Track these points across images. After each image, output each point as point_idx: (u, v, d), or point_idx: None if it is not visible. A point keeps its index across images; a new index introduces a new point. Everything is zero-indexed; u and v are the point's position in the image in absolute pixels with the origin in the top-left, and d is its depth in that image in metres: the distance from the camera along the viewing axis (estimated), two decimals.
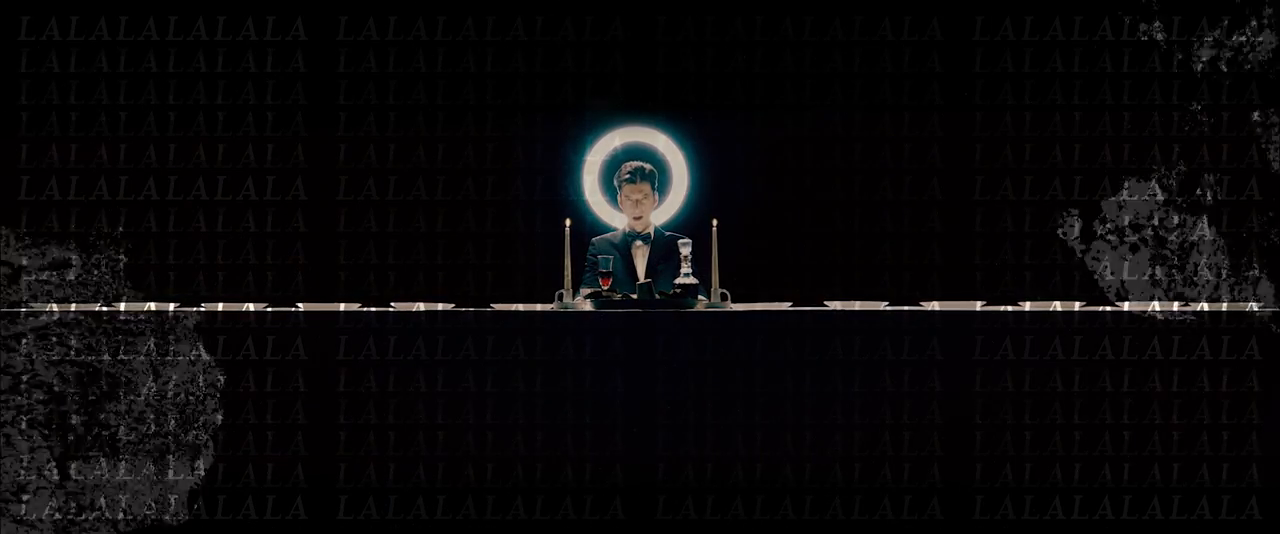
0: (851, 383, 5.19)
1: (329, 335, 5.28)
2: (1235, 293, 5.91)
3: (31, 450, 5.34)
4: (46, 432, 5.34)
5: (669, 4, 6.57)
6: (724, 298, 5.47)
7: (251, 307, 5.42)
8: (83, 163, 6.10)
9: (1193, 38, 6.12)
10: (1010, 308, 5.35)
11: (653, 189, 6.16)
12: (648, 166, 6.18)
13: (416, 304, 5.42)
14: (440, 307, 5.37)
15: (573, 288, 5.55)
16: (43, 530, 5.31)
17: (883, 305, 5.40)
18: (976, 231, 6.27)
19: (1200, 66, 6.11)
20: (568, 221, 5.52)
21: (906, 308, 5.31)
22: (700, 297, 5.50)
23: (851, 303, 5.50)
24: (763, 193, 6.77)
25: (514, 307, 5.41)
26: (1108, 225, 6.13)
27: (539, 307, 5.41)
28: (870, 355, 5.19)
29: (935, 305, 5.38)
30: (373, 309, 5.35)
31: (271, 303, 5.55)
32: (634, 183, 6.12)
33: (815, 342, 5.20)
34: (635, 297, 5.43)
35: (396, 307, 5.37)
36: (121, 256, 6.05)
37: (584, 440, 5.19)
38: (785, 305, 5.42)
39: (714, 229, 5.48)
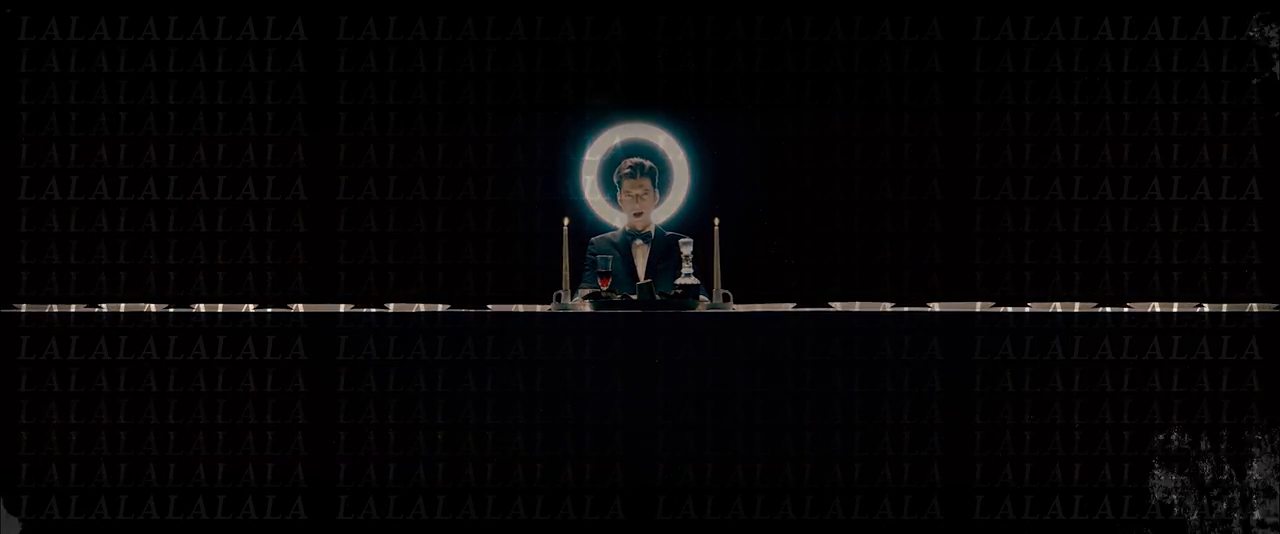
0: (852, 383, 5.19)
1: (329, 335, 5.28)
2: (1235, 293, 5.91)
3: (32, 449, 5.34)
4: (47, 432, 5.35)
5: (669, 4, 6.57)
6: (726, 299, 5.45)
7: (249, 307, 5.43)
8: (83, 163, 6.10)
9: (1193, 38, 6.12)
10: (1010, 308, 5.35)
11: (653, 185, 6.14)
12: (648, 163, 6.17)
13: (416, 306, 5.42)
14: (439, 308, 5.37)
15: (571, 288, 5.53)
16: (42, 530, 5.32)
17: (886, 306, 5.40)
18: (976, 231, 6.27)
19: (1201, 66, 6.11)
20: (566, 221, 5.51)
21: (910, 309, 5.31)
22: (701, 297, 5.49)
23: (855, 304, 5.50)
24: (765, 192, 6.76)
25: (513, 307, 5.41)
26: (1107, 226, 6.14)
27: (538, 307, 5.41)
28: (871, 355, 5.20)
29: (936, 306, 5.39)
30: (373, 311, 5.35)
31: (271, 303, 5.56)
32: (634, 178, 6.10)
33: (816, 342, 5.20)
34: (635, 297, 5.42)
35: (390, 308, 5.37)
36: (121, 257, 6.05)
37: (583, 443, 5.19)
38: (789, 306, 5.42)
39: (716, 228, 5.47)
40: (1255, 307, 5.40)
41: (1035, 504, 5.23)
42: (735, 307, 5.42)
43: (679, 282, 5.51)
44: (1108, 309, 5.36)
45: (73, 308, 5.50)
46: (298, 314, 5.35)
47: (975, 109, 6.33)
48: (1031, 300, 5.82)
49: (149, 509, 5.29)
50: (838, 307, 5.44)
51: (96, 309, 5.48)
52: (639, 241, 6.12)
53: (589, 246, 6.14)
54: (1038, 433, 5.25)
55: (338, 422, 5.24)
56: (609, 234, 6.23)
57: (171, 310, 5.41)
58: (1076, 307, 5.40)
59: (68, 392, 5.36)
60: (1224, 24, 6.09)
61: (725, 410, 5.19)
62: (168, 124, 6.19)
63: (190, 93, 6.21)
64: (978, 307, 5.41)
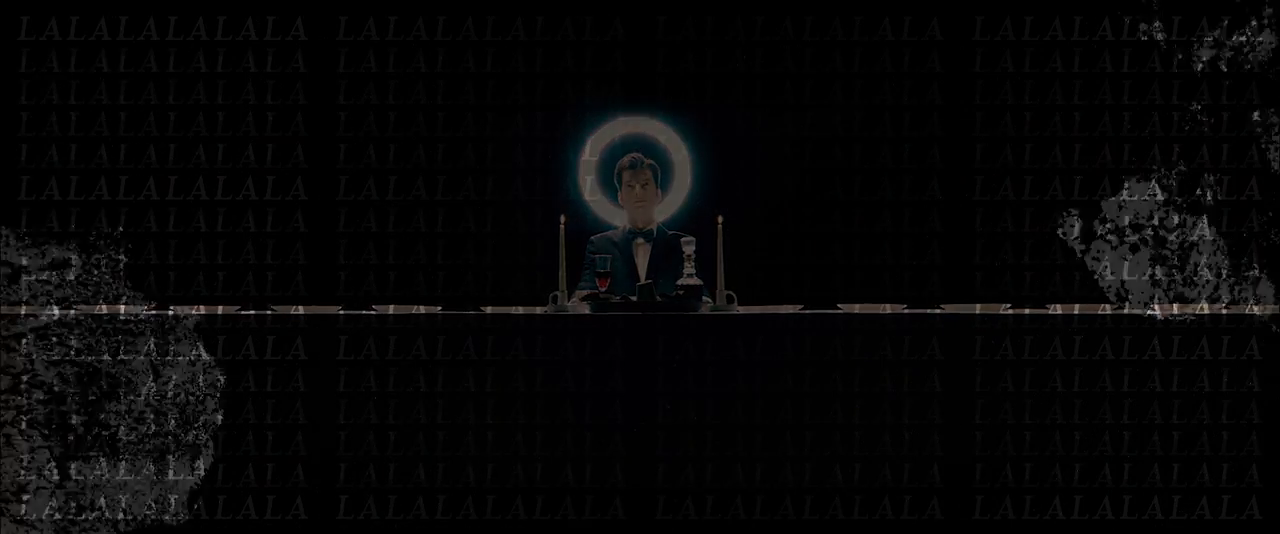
0: (852, 383, 5.19)
1: (329, 335, 5.28)
2: (1235, 293, 5.91)
3: (31, 451, 5.34)
4: (46, 432, 5.34)
5: (669, 4, 6.57)
6: (730, 300, 5.43)
7: (239, 308, 5.43)
8: (83, 163, 6.10)
9: (1193, 38, 6.12)
10: (1010, 308, 5.36)
11: (654, 180, 6.12)
12: (648, 159, 6.15)
13: (415, 308, 5.42)
14: (433, 310, 5.37)
15: (568, 289, 5.50)
16: (43, 531, 5.31)
17: (886, 308, 5.40)
18: (977, 231, 6.27)
19: (1200, 66, 6.11)
20: (563, 219, 5.50)
21: (919, 311, 5.31)
22: (704, 298, 5.47)
23: (869, 306, 5.49)
24: (769, 190, 6.76)
25: (512, 309, 5.41)
26: (1108, 226, 6.14)
27: (538, 309, 5.40)
28: (871, 356, 5.20)
29: (945, 308, 5.39)
30: (372, 312, 5.35)
31: (271, 303, 5.56)
32: (635, 170, 6.08)
33: (818, 344, 5.20)
34: (635, 298, 5.40)
35: (376, 309, 5.38)
36: (121, 257, 6.05)
37: (584, 444, 5.19)
38: (795, 308, 5.41)
39: (719, 227, 5.45)
40: (1255, 307, 5.40)
41: (1035, 504, 5.23)
42: (739, 308, 5.41)
43: (681, 282, 5.49)
44: (1108, 309, 5.37)
45: (73, 308, 5.50)
46: (298, 314, 5.35)
47: (975, 109, 6.33)
48: (1029, 301, 5.82)
49: (149, 509, 5.28)
50: (846, 308, 5.43)
51: (98, 309, 5.48)
52: (640, 240, 6.10)
53: (588, 245, 6.11)
54: (1038, 433, 5.25)
55: (338, 422, 5.25)
56: (609, 232, 6.21)
57: (173, 311, 5.41)
58: (1076, 307, 5.40)
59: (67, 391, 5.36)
60: (1224, 24, 6.09)
61: (728, 416, 5.19)
62: (168, 124, 6.19)
63: (190, 93, 6.20)
64: (977, 308, 5.41)
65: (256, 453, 5.26)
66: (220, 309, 5.39)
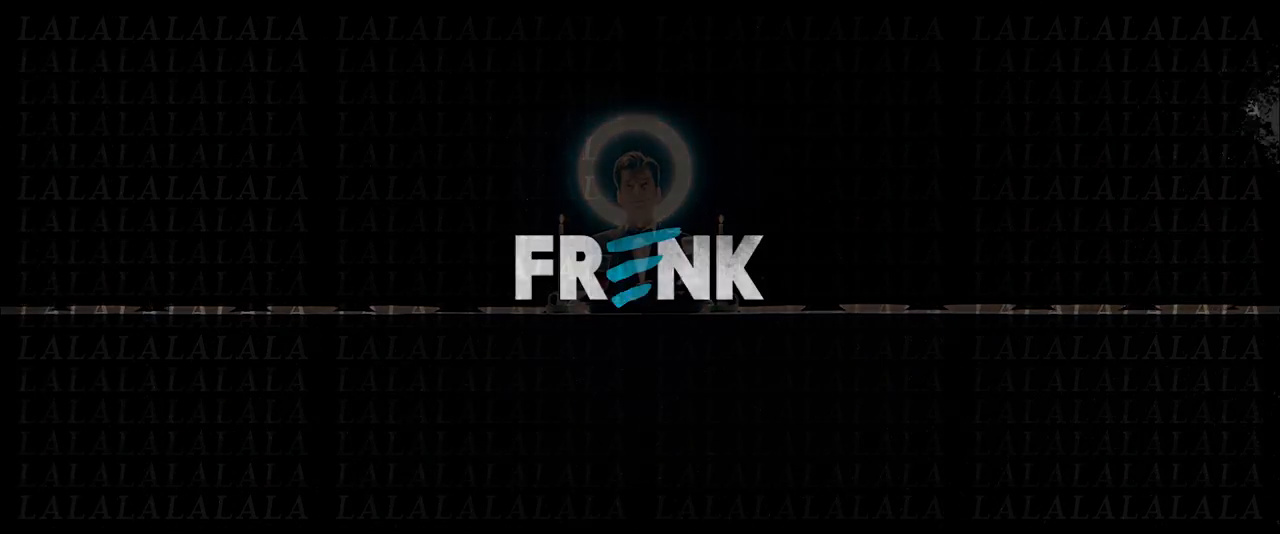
0: (852, 383, 5.19)
1: (329, 335, 5.28)
2: (1235, 293, 5.91)
3: (31, 451, 5.34)
4: (46, 432, 5.35)
5: (669, 4, 6.57)
6: (731, 301, 5.43)
7: (238, 308, 5.42)
8: (83, 163, 6.10)
9: (1194, 38, 6.12)
10: (1010, 308, 5.35)
11: (654, 180, 6.11)
12: (648, 158, 6.15)
13: (415, 308, 5.42)
14: (433, 310, 5.37)
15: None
16: (42, 530, 5.32)
17: (886, 308, 5.39)
18: (977, 232, 6.27)
19: (1201, 67, 6.11)
20: (562, 217, 5.49)
21: (921, 311, 5.31)
22: (704, 298, 5.47)
23: (869, 306, 5.49)
24: (769, 190, 6.76)
25: (512, 309, 5.40)
26: (1107, 226, 6.14)
27: (538, 309, 5.40)
28: (871, 356, 5.20)
29: (948, 308, 5.39)
30: (372, 312, 5.35)
31: (272, 303, 5.56)
32: (635, 170, 6.07)
33: (818, 344, 5.20)
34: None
35: (376, 309, 5.37)
36: (121, 256, 6.05)
37: (584, 444, 5.19)
38: (798, 308, 5.41)
39: (719, 226, 5.45)
40: (1256, 307, 5.39)
41: (1035, 504, 5.23)
42: (739, 308, 5.41)
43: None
44: (1108, 309, 5.36)
45: (73, 308, 5.50)
46: (297, 314, 5.35)
47: (975, 109, 6.33)
48: (1030, 301, 5.82)
49: (149, 509, 5.28)
50: (846, 308, 5.43)
51: (96, 309, 5.48)
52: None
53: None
54: (1038, 433, 5.25)
55: (338, 421, 5.24)
56: (609, 232, 6.21)
57: (172, 310, 5.40)
58: (1076, 308, 5.40)
59: (68, 392, 5.35)
60: (1223, 24, 6.09)
61: (729, 417, 5.19)
62: (168, 124, 6.19)
63: (190, 93, 6.21)
64: (977, 308, 5.41)
65: (256, 453, 5.26)
66: (220, 309, 5.39)
